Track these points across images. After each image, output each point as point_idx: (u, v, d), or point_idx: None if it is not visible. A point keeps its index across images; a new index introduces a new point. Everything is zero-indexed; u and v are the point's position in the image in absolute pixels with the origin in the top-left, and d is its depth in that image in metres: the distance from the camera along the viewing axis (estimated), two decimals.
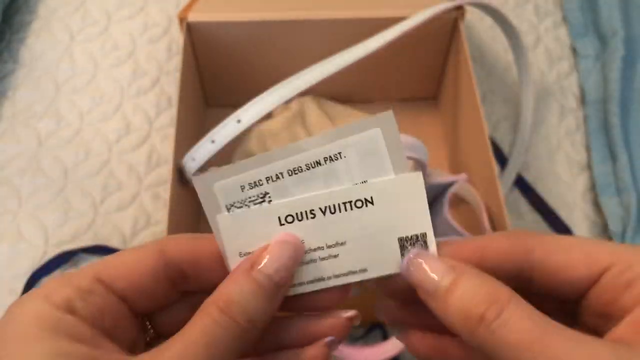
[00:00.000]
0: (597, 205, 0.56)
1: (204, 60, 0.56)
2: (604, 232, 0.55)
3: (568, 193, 0.57)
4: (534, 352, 0.20)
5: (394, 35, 0.48)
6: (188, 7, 0.52)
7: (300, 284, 0.25)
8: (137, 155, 0.59)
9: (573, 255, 0.23)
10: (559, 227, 0.55)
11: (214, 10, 0.52)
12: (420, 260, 0.23)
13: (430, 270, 0.23)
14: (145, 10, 0.68)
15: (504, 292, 0.21)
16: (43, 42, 0.66)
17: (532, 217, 0.56)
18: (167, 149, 0.59)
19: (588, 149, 0.59)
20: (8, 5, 0.68)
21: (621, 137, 0.57)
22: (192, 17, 0.51)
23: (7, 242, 0.53)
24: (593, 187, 0.57)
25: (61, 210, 0.55)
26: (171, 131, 0.48)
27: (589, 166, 0.59)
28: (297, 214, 0.24)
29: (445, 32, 0.54)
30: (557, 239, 0.23)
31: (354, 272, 0.25)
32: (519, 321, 0.20)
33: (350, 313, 0.25)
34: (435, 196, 0.50)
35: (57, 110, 0.61)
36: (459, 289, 0.22)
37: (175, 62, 0.64)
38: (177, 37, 0.66)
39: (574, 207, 0.57)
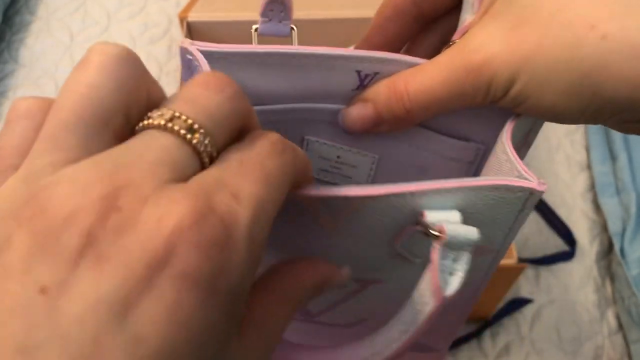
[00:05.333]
0: (596, 205, 0.56)
1: None
2: (604, 231, 0.55)
3: (568, 192, 0.57)
4: None
5: None
6: (188, 7, 0.52)
7: None
8: None
9: None
10: (559, 226, 0.55)
11: (214, 9, 0.52)
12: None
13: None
14: (145, 11, 0.68)
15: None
16: (43, 42, 0.66)
17: (531, 216, 0.56)
18: None
19: (588, 148, 0.60)
20: (8, 6, 0.68)
21: (621, 137, 0.57)
22: (193, 16, 0.52)
23: None
24: (592, 187, 0.57)
25: None
26: None
27: (589, 166, 0.59)
28: None
29: None
30: None
31: None
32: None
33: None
34: None
35: None
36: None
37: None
38: (177, 37, 0.66)
39: (573, 207, 0.57)
